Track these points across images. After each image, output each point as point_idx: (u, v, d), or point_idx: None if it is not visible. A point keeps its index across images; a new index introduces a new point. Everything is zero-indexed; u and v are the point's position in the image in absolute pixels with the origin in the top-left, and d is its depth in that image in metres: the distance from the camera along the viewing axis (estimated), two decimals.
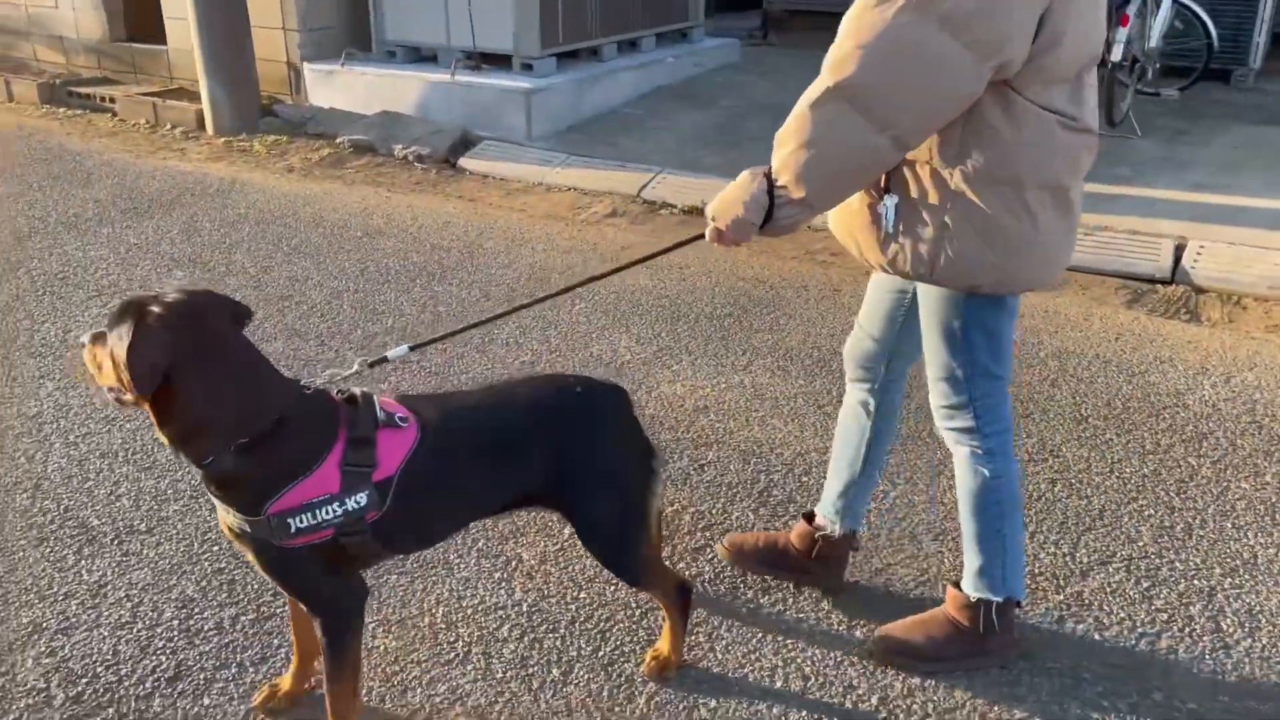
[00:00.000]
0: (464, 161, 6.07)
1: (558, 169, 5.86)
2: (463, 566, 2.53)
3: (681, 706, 2.11)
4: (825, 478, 2.45)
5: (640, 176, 5.65)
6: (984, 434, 2.09)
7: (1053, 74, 1.79)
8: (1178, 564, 2.57)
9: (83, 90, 7.52)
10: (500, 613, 2.38)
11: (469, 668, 2.21)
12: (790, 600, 2.42)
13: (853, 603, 2.42)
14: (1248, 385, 3.50)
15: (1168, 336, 3.90)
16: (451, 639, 2.30)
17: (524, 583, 2.48)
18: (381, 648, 2.26)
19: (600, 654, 2.25)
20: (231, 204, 5.34)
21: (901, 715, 2.10)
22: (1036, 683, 2.19)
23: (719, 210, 1.92)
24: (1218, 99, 7.29)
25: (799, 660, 2.24)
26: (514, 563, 2.55)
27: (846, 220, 2.02)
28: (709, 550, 2.60)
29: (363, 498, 1.75)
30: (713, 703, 2.12)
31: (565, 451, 1.96)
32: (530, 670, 2.21)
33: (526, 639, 2.29)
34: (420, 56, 7.08)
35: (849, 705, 2.12)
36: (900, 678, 2.19)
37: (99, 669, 2.19)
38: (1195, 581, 2.50)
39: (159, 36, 7.86)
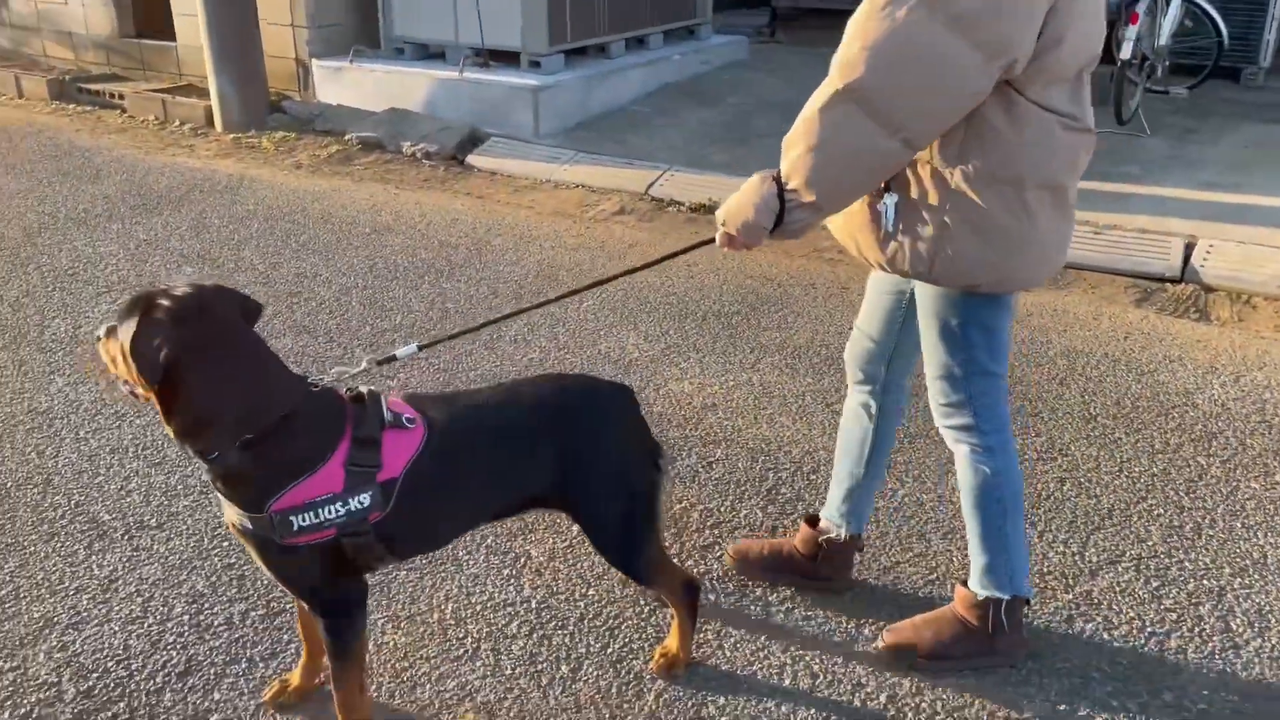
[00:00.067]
0: (472, 158, 6.07)
1: (566, 166, 5.86)
2: (472, 563, 2.54)
3: (690, 704, 2.11)
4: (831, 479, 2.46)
5: (648, 174, 5.65)
6: (982, 431, 2.10)
7: (1054, 74, 1.80)
8: (1187, 564, 2.56)
9: (92, 86, 7.54)
10: (509, 609, 2.38)
11: (478, 664, 2.22)
12: (799, 598, 2.42)
13: (861, 601, 2.42)
14: (1257, 384, 3.49)
15: (1177, 335, 3.89)
16: (460, 635, 2.30)
17: (533, 579, 2.48)
18: (391, 644, 2.27)
19: (609, 651, 2.26)
20: (240, 200, 5.35)
21: (910, 714, 2.10)
22: (1045, 682, 2.18)
23: (729, 215, 1.92)
24: (1227, 97, 7.26)
25: (807, 658, 2.24)
26: (523, 559, 2.55)
27: (846, 219, 2.03)
28: (717, 548, 2.60)
29: (366, 498, 1.75)
30: (721, 700, 2.12)
31: (572, 452, 1.96)
32: (539, 667, 2.21)
33: (535, 636, 2.30)
34: (428, 53, 7.08)
35: (857, 703, 2.13)
36: (908, 676, 2.19)
37: (110, 664, 2.20)
38: (1205, 581, 2.50)
39: (168, 33, 7.87)
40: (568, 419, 1.98)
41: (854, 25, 1.77)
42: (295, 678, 2.11)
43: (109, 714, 2.07)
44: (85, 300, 4.10)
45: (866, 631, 2.32)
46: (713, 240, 2.02)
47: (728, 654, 2.26)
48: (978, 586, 2.20)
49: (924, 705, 2.12)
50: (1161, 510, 2.79)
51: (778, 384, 3.48)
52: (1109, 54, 6.20)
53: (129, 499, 2.79)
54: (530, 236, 4.90)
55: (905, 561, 2.57)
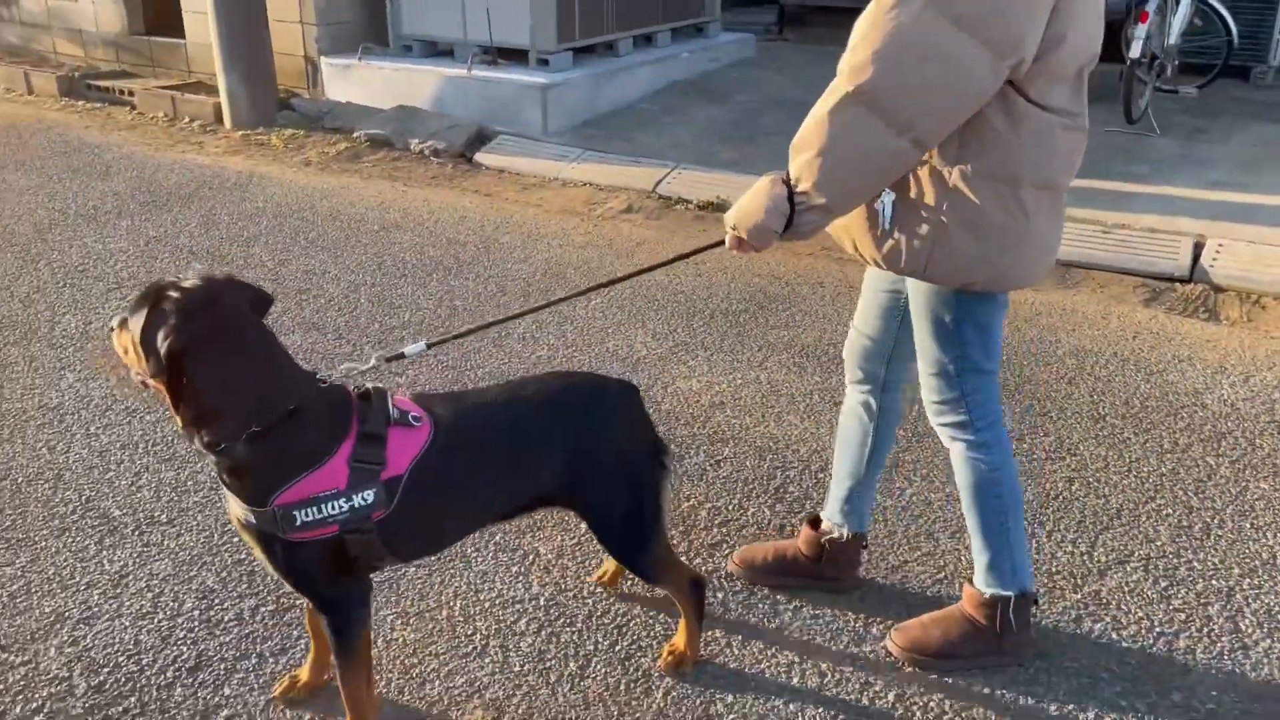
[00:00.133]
0: (480, 156, 6.08)
1: (573, 164, 5.87)
2: (480, 560, 2.54)
3: (698, 701, 2.12)
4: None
5: (656, 172, 5.65)
6: (976, 428, 2.10)
7: (1055, 72, 1.81)
8: (1196, 564, 2.56)
9: (102, 83, 7.56)
10: (518, 606, 2.39)
11: (487, 661, 2.22)
12: (806, 597, 2.42)
13: (869, 600, 2.42)
14: (1267, 385, 3.49)
15: (1186, 335, 3.88)
16: (469, 632, 2.31)
17: (541, 577, 2.49)
18: (400, 640, 2.28)
19: (617, 648, 2.26)
20: (249, 197, 5.37)
21: (918, 712, 2.10)
22: (1054, 682, 2.18)
23: (739, 218, 1.92)
24: (1237, 96, 7.24)
25: (815, 657, 2.25)
26: (531, 557, 2.56)
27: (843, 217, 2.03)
28: (725, 546, 2.61)
29: (369, 495, 1.75)
30: (729, 698, 2.13)
31: (579, 450, 1.96)
32: (548, 664, 2.22)
33: (544, 633, 2.30)
34: (437, 51, 7.09)
35: (865, 702, 2.13)
36: (916, 675, 2.19)
37: (121, 658, 2.21)
38: (1214, 581, 2.49)
39: (177, 30, 7.89)
40: (575, 417, 1.99)
41: (861, 27, 1.77)
42: (304, 673, 2.12)
43: (120, 708, 2.08)
44: (95, 296, 4.12)
45: (874, 630, 2.32)
46: (722, 243, 2.02)
47: (736, 652, 2.26)
48: (982, 584, 2.20)
49: (932, 704, 2.12)
50: (1170, 510, 2.78)
51: (785, 382, 3.48)
52: (1118, 53, 6.20)
53: (139, 495, 2.80)
54: (538, 234, 4.90)
55: (913, 560, 2.57)
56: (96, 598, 2.40)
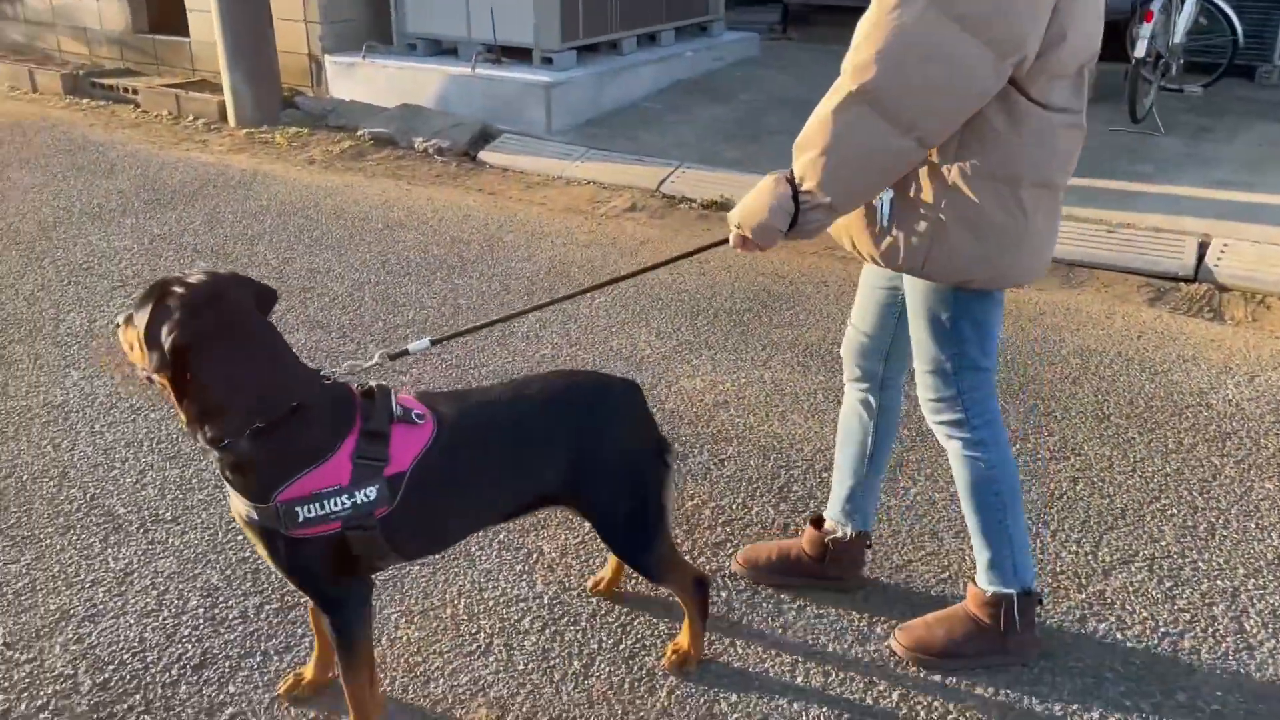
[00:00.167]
0: (484, 155, 6.08)
1: (577, 163, 5.87)
2: (484, 558, 2.54)
3: (702, 700, 2.12)
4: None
5: (660, 171, 5.65)
6: (972, 425, 2.10)
7: (1056, 70, 1.81)
8: (1201, 564, 2.56)
9: (106, 81, 7.57)
10: (522, 605, 2.39)
11: (491, 659, 2.22)
12: (810, 596, 2.42)
13: (873, 599, 2.42)
14: (1272, 385, 3.48)
15: (1191, 335, 3.87)
16: (473, 630, 2.31)
17: (545, 575, 2.49)
18: (404, 638, 2.28)
19: (621, 647, 2.26)
20: (253, 195, 5.37)
21: (922, 712, 2.10)
22: (1058, 681, 2.18)
23: (744, 217, 1.92)
24: (1242, 95, 7.22)
25: (819, 656, 2.25)
26: (535, 555, 2.56)
27: None
28: (729, 545, 2.61)
29: (372, 491, 1.75)
30: (733, 697, 2.13)
31: (582, 449, 1.96)
32: (552, 662, 2.22)
33: (548, 631, 2.31)
34: (441, 49, 7.09)
35: (869, 701, 2.13)
36: (921, 674, 2.19)
37: (125, 656, 2.22)
38: (1219, 582, 2.49)
39: (182, 28, 7.90)
40: (578, 415, 1.99)
41: (864, 26, 1.78)
42: (309, 671, 2.12)
43: (125, 706, 2.09)
44: (100, 294, 4.12)
45: (879, 630, 2.32)
46: (726, 241, 2.02)
47: (740, 651, 2.26)
48: (985, 582, 2.20)
49: (936, 704, 2.12)
50: (1175, 510, 2.78)
51: (789, 381, 3.48)
52: (1123, 52, 6.19)
53: (144, 493, 2.81)
54: (542, 233, 4.90)
55: (917, 560, 2.57)
56: (101, 595, 2.40)
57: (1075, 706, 2.12)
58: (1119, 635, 2.32)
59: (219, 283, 1.72)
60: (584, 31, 6.81)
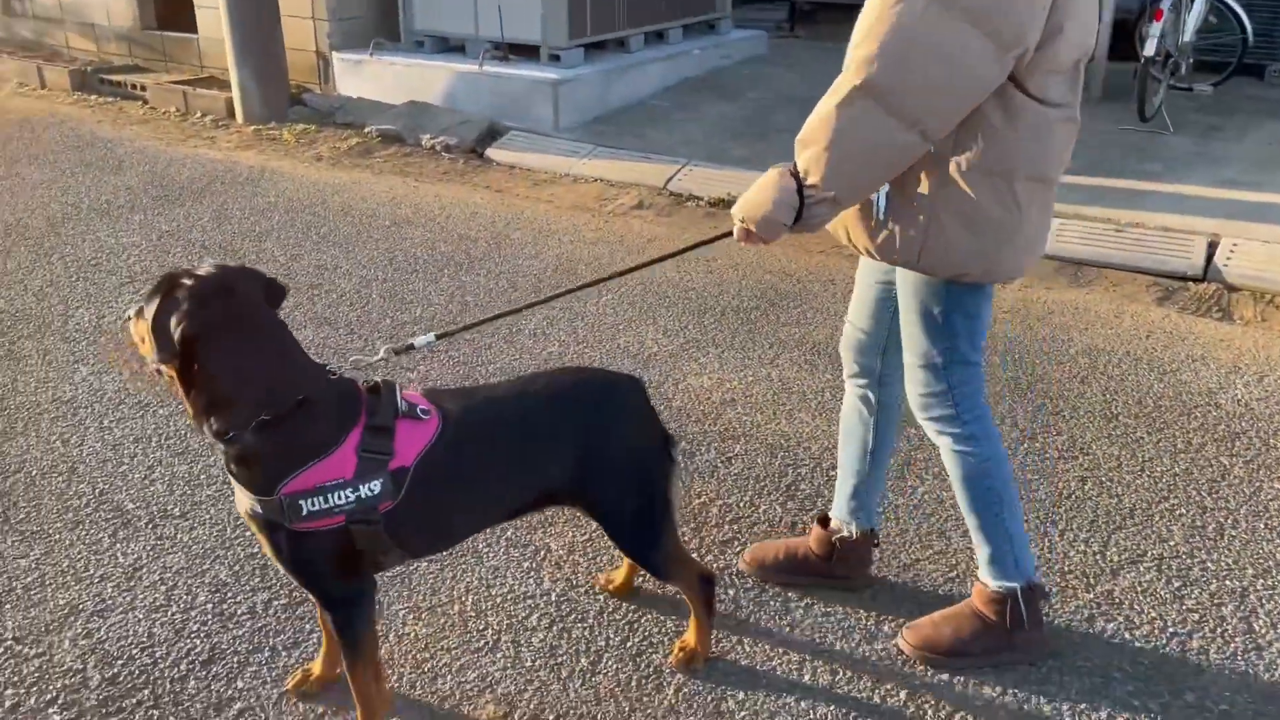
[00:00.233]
0: (491, 152, 6.08)
1: (585, 160, 5.87)
2: (492, 555, 2.55)
3: (709, 698, 2.12)
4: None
5: (667, 168, 5.65)
6: (963, 421, 2.11)
7: (1053, 65, 1.82)
8: (1209, 564, 2.55)
9: (114, 78, 7.58)
10: (529, 601, 2.39)
11: (498, 655, 2.23)
12: (818, 595, 2.42)
13: (881, 598, 2.42)
14: None
15: (1200, 335, 3.86)
16: (481, 627, 2.31)
17: (552, 572, 2.49)
18: (411, 634, 2.28)
19: (628, 644, 2.26)
20: (261, 192, 5.38)
21: (929, 710, 2.10)
22: (1066, 681, 2.18)
23: (747, 210, 1.92)
24: (1252, 94, 7.19)
25: (827, 655, 2.24)
26: (542, 552, 2.56)
27: None
28: (736, 543, 2.61)
29: (376, 485, 1.75)
30: (740, 695, 2.13)
31: (588, 446, 1.96)
32: (559, 659, 2.22)
33: (555, 628, 2.31)
34: (448, 47, 7.10)
35: (876, 699, 2.13)
36: (928, 673, 2.19)
37: (134, 651, 2.23)
38: (1227, 582, 2.48)
39: (190, 25, 7.92)
40: (585, 413, 1.99)
41: (866, 20, 1.78)
42: (317, 667, 2.12)
43: (133, 701, 2.09)
44: (108, 290, 4.13)
45: (886, 628, 2.32)
46: (730, 234, 2.02)
47: (747, 649, 2.26)
48: (988, 578, 2.20)
49: (943, 702, 2.12)
50: (1184, 510, 2.77)
51: (796, 380, 3.48)
52: (1133, 51, 6.17)
53: (153, 488, 2.82)
54: (549, 230, 4.90)
55: (925, 559, 2.56)
56: (110, 590, 2.41)
57: (1083, 706, 2.11)
58: (1127, 635, 2.31)
59: (228, 275, 1.72)
60: (592, 29, 6.81)
